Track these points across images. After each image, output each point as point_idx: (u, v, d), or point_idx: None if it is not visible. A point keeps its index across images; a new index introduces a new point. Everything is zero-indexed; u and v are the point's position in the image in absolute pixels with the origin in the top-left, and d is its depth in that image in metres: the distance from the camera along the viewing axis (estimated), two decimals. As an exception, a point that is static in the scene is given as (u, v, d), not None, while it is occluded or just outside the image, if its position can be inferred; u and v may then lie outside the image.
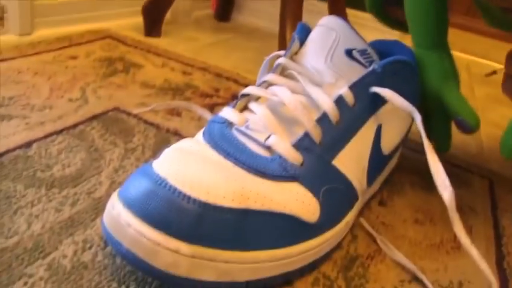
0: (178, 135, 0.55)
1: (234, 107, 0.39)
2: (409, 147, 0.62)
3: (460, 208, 0.52)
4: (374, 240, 0.43)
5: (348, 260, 0.40)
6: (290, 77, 0.41)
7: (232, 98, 0.67)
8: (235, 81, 0.74)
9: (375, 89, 0.39)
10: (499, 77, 0.62)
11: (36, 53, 0.73)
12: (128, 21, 1.02)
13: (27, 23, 0.81)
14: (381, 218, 0.47)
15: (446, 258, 0.43)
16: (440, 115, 0.52)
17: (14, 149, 0.46)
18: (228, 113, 0.38)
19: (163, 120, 0.58)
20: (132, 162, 0.48)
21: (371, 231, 0.44)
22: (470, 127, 0.47)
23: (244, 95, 0.40)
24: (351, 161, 0.39)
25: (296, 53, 0.44)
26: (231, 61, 0.90)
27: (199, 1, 1.24)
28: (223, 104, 0.65)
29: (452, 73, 0.51)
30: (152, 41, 0.93)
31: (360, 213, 0.46)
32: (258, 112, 0.37)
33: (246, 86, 0.73)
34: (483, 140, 0.77)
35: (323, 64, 0.41)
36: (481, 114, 0.90)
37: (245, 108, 0.40)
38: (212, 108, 0.63)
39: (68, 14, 0.89)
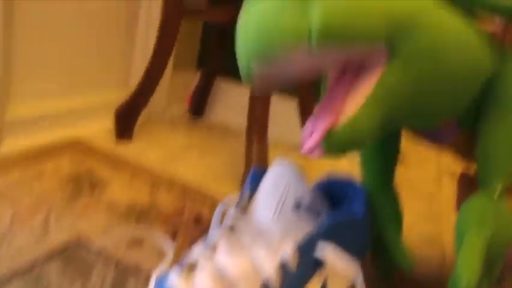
0: (138, 271, 0.55)
1: (181, 270, 0.40)
2: None
3: None
4: None
5: None
6: (239, 234, 0.42)
7: (195, 222, 0.68)
8: (200, 200, 0.76)
9: (319, 251, 0.40)
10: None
11: (3, 171, 0.73)
12: (101, 124, 1.04)
13: (-3, 136, 0.82)
14: None
15: None
16: (381, 254, 0.54)
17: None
18: (174, 279, 0.39)
19: (123, 253, 0.58)
20: (86, 309, 0.48)
21: None
22: (404, 269, 0.51)
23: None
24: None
25: (247, 204, 0.45)
26: (200, 170, 0.92)
27: (173, 97, 1.27)
28: (185, 229, 0.66)
29: (394, 216, 0.54)
30: (123, 148, 0.94)
31: None
32: (201, 281, 0.38)
33: (210, 204, 0.75)
34: (445, 248, 0.78)
35: (271, 219, 0.42)
36: (445, 216, 0.92)
37: (193, 267, 0.41)
38: (174, 235, 0.64)
39: (40, 122, 0.91)
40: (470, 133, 0.49)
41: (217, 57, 1.28)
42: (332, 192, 0.51)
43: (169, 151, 0.98)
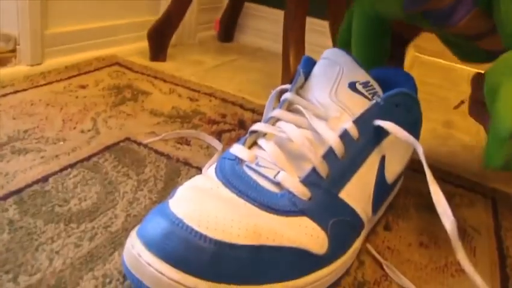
0: (188, 165, 0.57)
1: (243, 143, 0.41)
2: (412, 168, 0.64)
3: (464, 229, 0.54)
4: (381, 266, 0.44)
5: (356, 286, 0.42)
6: (296, 112, 0.43)
7: (239, 124, 0.69)
8: (241, 106, 0.76)
9: (379, 122, 0.41)
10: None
11: (48, 83, 0.75)
12: (135, 46, 1.05)
13: (38, 53, 0.83)
14: (386, 243, 0.49)
15: (451, 282, 0.45)
16: None
17: (31, 184, 0.48)
18: (238, 150, 0.40)
19: (172, 150, 0.59)
20: (145, 194, 0.50)
21: (377, 256, 0.45)
22: None
23: (253, 131, 0.42)
24: (357, 192, 0.40)
25: (301, 87, 0.46)
26: (236, 84, 0.92)
27: (202, 22, 1.27)
28: (229, 131, 0.67)
29: None
30: (159, 66, 0.95)
31: (366, 239, 0.48)
32: (267, 149, 0.39)
33: (252, 110, 0.75)
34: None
35: (328, 98, 0.43)
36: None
37: (254, 143, 0.42)
38: (220, 135, 0.65)
39: (76, 41, 0.91)
40: (483, 10, 0.48)
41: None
42: (383, 79, 0.51)
43: (204, 69, 0.99)
